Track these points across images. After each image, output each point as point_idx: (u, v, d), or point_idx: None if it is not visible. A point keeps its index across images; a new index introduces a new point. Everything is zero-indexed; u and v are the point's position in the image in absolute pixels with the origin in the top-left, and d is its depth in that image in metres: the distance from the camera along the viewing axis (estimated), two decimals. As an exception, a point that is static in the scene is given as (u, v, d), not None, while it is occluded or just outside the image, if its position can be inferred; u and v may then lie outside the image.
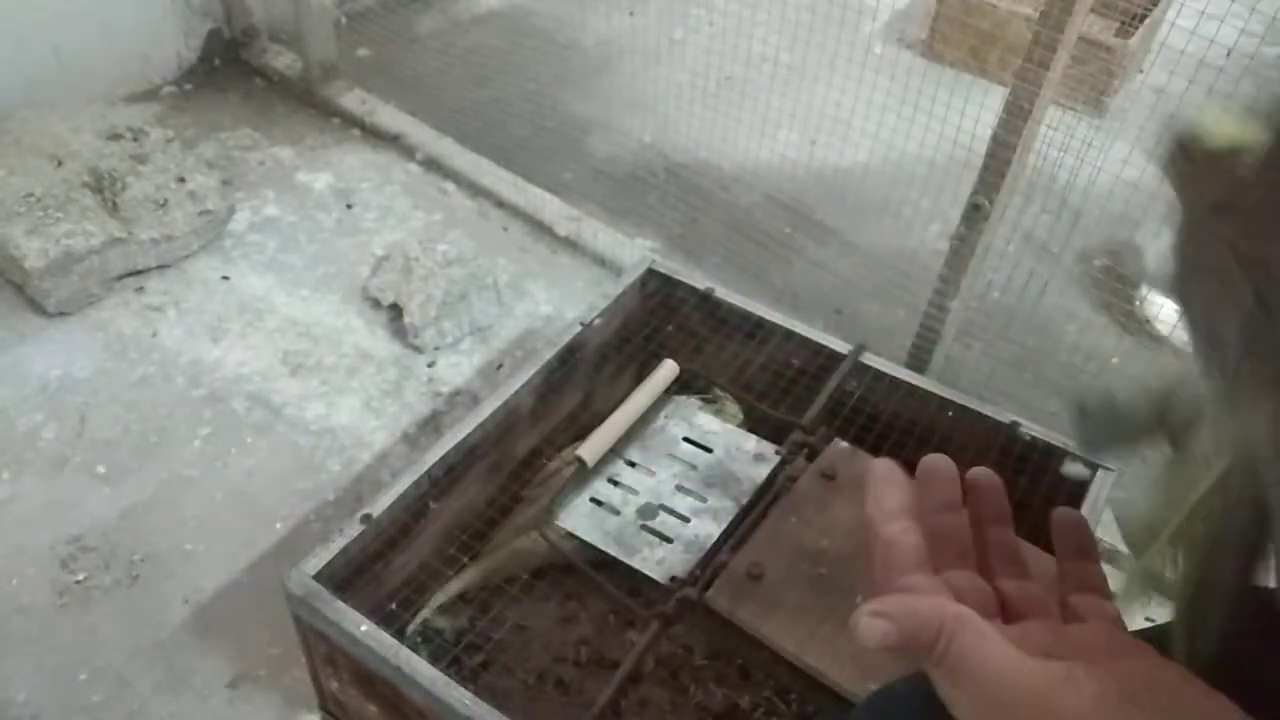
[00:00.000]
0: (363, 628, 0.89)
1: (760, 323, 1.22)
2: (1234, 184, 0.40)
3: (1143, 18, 2.19)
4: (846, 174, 2.02)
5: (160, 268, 1.69)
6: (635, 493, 1.04)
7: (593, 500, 1.04)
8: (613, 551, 0.98)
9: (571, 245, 1.82)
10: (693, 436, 1.10)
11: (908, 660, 0.44)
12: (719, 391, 1.18)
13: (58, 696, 1.17)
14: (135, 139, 1.78)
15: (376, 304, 1.65)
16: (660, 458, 1.08)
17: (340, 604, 0.90)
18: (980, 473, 0.51)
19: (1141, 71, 2.34)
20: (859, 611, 0.42)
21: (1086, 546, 0.47)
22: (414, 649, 0.88)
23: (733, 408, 1.17)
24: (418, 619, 1.00)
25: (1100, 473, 1.04)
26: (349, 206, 1.86)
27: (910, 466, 1.00)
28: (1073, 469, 1.05)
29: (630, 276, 1.26)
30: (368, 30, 2.26)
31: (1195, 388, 0.50)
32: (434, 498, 1.03)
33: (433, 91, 2.14)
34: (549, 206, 1.87)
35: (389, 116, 2.05)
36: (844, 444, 1.04)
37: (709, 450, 1.09)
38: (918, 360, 1.49)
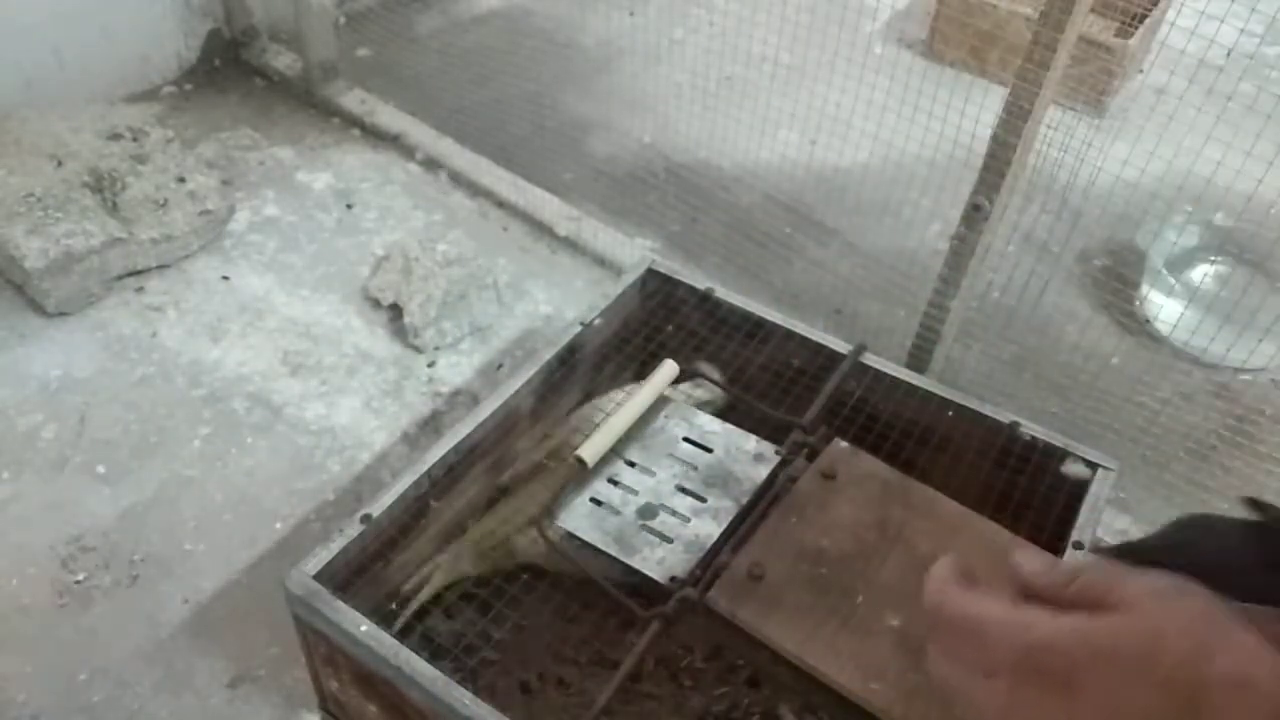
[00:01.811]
0: (363, 628, 0.89)
1: (760, 323, 1.22)
2: None
3: (1143, 18, 2.19)
4: (846, 174, 2.02)
5: (160, 268, 1.69)
6: (635, 493, 1.04)
7: (593, 500, 1.04)
8: (613, 551, 0.98)
9: (571, 245, 1.82)
10: (693, 436, 1.10)
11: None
12: (703, 380, 1.18)
13: (58, 696, 1.17)
14: (135, 139, 1.78)
15: (376, 304, 1.65)
16: (660, 458, 1.08)
17: (340, 604, 0.90)
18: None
19: (1141, 71, 2.35)
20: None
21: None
22: (414, 649, 0.88)
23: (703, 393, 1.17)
24: (407, 612, 1.00)
25: (1100, 472, 1.04)
26: (349, 206, 1.86)
27: (910, 466, 1.02)
28: (1073, 469, 1.05)
29: (630, 276, 1.26)
30: (368, 30, 2.26)
31: None
32: (434, 498, 1.03)
33: (433, 91, 2.14)
34: (549, 206, 1.87)
35: (389, 116, 2.05)
36: (844, 444, 1.04)
37: (709, 450, 1.09)
38: (918, 360, 1.49)
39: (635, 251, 1.78)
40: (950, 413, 1.12)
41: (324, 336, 1.61)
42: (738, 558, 0.93)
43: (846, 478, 1.00)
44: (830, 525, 0.95)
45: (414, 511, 1.02)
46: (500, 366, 1.59)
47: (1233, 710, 0.39)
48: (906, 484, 0.98)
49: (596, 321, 1.20)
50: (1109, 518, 1.43)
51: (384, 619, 0.92)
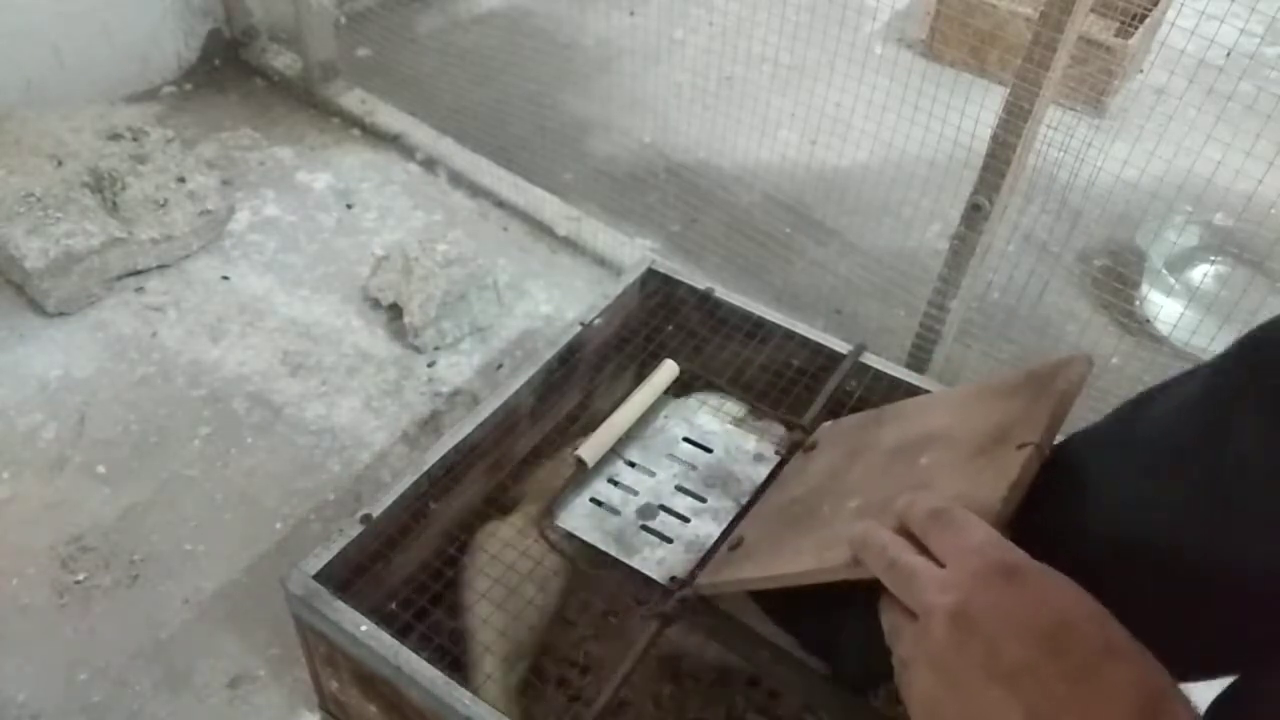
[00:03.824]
0: (363, 628, 0.89)
1: (760, 323, 1.22)
2: None
3: (1143, 18, 2.19)
4: (846, 174, 2.02)
5: (160, 268, 1.69)
6: (635, 493, 1.04)
7: (593, 500, 1.04)
8: (613, 551, 0.98)
9: (571, 245, 1.82)
10: (693, 436, 1.10)
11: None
12: (720, 393, 1.18)
13: (58, 696, 1.17)
14: (135, 139, 1.78)
15: (376, 304, 1.65)
16: (660, 458, 1.08)
17: (340, 604, 0.90)
18: None
19: (1141, 71, 2.35)
20: None
21: None
22: (414, 649, 0.88)
23: (731, 406, 1.17)
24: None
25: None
26: (349, 206, 1.86)
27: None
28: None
29: (630, 276, 1.26)
30: (368, 30, 2.26)
31: None
32: (434, 498, 1.03)
33: (433, 91, 2.14)
34: (549, 206, 1.87)
35: (389, 116, 2.05)
36: (827, 422, 1.04)
37: (709, 450, 1.09)
38: (918, 360, 1.49)
39: (635, 251, 1.78)
40: (950, 413, 1.12)
41: (324, 336, 1.61)
42: (725, 543, 0.94)
43: (824, 441, 1.00)
44: (806, 479, 0.95)
45: (414, 511, 1.02)
46: (500, 366, 1.59)
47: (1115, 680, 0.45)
48: (881, 412, 0.95)
49: (596, 321, 1.20)
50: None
51: (384, 619, 0.92)
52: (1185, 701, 0.45)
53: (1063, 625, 0.47)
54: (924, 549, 0.54)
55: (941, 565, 0.52)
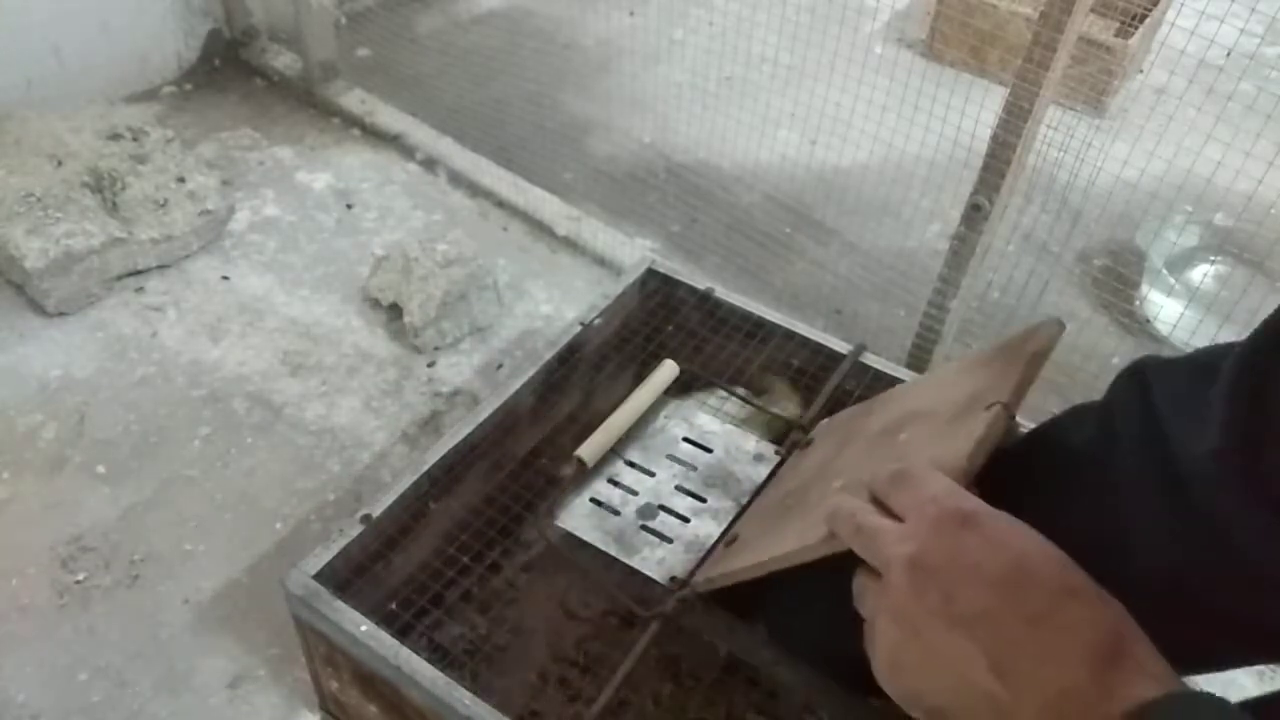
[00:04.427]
0: (363, 628, 0.89)
1: (760, 323, 1.22)
2: None
3: (1143, 18, 2.19)
4: (846, 174, 2.02)
5: (160, 268, 1.69)
6: (635, 493, 1.04)
7: (593, 500, 1.04)
8: (613, 551, 0.98)
9: (571, 245, 1.82)
10: (692, 437, 1.10)
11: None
12: (721, 393, 1.18)
13: (58, 696, 1.17)
14: (135, 139, 1.78)
15: (376, 304, 1.65)
16: (660, 458, 1.08)
17: (340, 604, 0.90)
18: None
19: (1141, 71, 2.35)
20: None
21: None
22: (414, 649, 0.88)
23: (731, 406, 1.17)
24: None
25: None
26: (349, 206, 1.86)
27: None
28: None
29: (630, 276, 1.26)
30: (368, 30, 2.26)
31: None
32: (434, 498, 1.03)
33: (433, 91, 2.14)
34: (549, 206, 1.87)
35: (389, 116, 2.05)
36: (824, 420, 1.04)
37: (709, 450, 1.09)
38: (918, 360, 1.49)
39: (635, 251, 1.78)
40: (950, 413, 1.12)
41: (324, 336, 1.61)
42: (722, 541, 0.94)
43: (820, 437, 1.00)
44: (799, 473, 0.95)
45: (414, 511, 1.02)
46: (500, 366, 1.59)
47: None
48: (871, 402, 0.95)
49: (596, 321, 1.20)
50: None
51: (384, 619, 0.92)
52: (1145, 642, 0.45)
53: (1020, 568, 0.47)
54: (890, 512, 0.55)
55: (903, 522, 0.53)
